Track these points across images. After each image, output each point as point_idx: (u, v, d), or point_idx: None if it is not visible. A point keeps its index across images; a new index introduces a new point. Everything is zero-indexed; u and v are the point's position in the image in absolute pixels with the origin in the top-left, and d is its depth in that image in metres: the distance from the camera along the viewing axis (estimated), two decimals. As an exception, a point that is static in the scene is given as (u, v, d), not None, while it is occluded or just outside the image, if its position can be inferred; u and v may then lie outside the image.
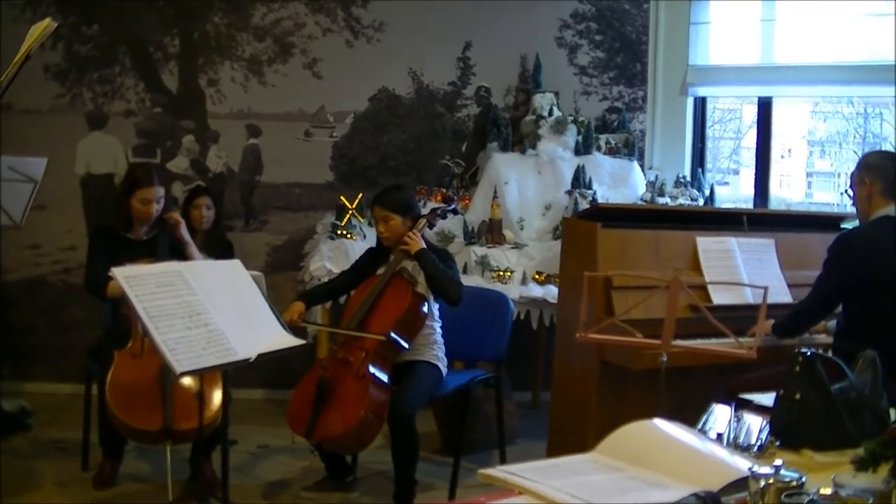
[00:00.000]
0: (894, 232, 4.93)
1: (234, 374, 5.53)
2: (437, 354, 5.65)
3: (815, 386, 3.20)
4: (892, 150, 7.65)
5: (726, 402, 3.33)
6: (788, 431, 3.18)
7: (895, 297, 4.84)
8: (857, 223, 5.29)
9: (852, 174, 5.18)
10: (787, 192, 9.20)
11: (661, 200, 7.24)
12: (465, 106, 7.85)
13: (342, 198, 7.21)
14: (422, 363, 5.57)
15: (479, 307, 5.97)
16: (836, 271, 5.01)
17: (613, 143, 7.54)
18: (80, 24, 7.66)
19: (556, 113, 7.48)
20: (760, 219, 6.06)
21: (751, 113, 8.23)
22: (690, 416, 3.24)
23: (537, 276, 6.84)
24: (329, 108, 7.85)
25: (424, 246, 5.60)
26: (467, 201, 7.33)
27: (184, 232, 5.84)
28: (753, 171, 7.93)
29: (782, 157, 9.10)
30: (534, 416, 7.25)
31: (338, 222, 7.05)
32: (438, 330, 5.71)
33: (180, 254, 5.72)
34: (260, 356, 4.42)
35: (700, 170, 7.73)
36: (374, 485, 5.91)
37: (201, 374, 4.65)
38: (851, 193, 5.17)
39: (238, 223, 7.81)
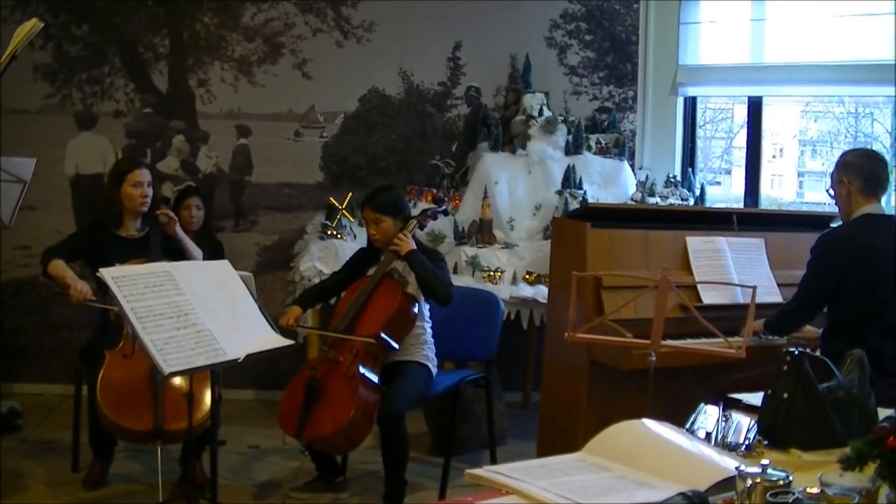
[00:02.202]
0: (876, 230, 4.94)
1: (225, 375, 5.53)
2: (427, 354, 5.65)
3: (803, 385, 3.20)
4: (884, 149, 7.68)
5: (715, 401, 3.34)
6: (776, 431, 3.18)
7: (879, 295, 4.85)
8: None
9: (832, 173, 5.18)
10: (779, 191, 9.21)
11: (651, 200, 7.24)
12: (454, 106, 7.85)
13: (331, 199, 7.19)
14: (412, 363, 5.57)
15: (469, 307, 5.97)
16: (820, 271, 5.01)
17: (603, 142, 7.54)
18: (70, 24, 7.66)
19: (546, 113, 7.48)
20: (750, 218, 6.06)
21: (742, 113, 8.24)
22: (679, 415, 3.25)
23: (527, 276, 6.84)
24: (319, 109, 7.84)
25: (415, 247, 5.60)
26: (457, 201, 7.32)
27: (178, 229, 5.83)
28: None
29: (774, 156, 9.11)
30: (524, 416, 7.24)
31: (328, 222, 7.04)
32: (428, 330, 5.71)
33: (172, 252, 5.72)
34: (248, 356, 4.42)
35: (690, 169, 7.74)
36: (364, 485, 5.91)
37: (190, 374, 4.65)
38: (832, 193, 5.17)
39: (228, 223, 7.80)
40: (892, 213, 5.23)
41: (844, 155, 5.21)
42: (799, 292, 5.13)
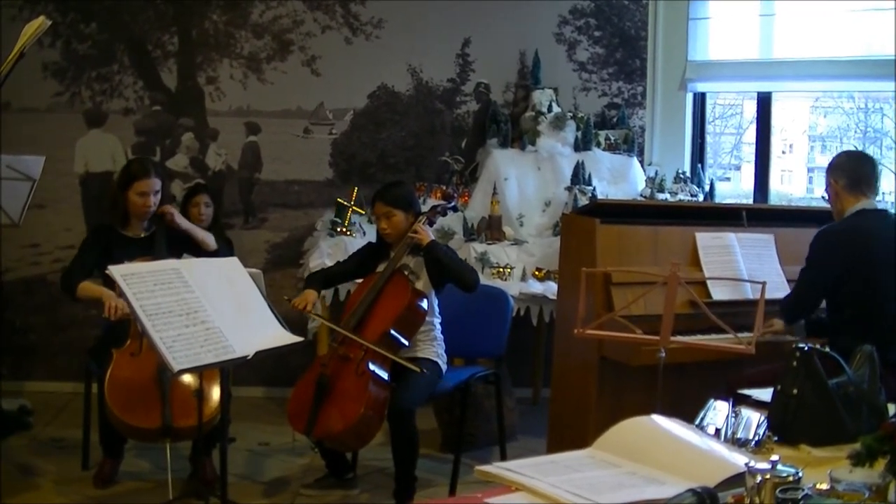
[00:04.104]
0: (874, 223, 4.97)
1: (235, 372, 5.54)
2: (437, 351, 5.65)
3: (813, 381, 3.19)
4: (893, 144, 7.69)
5: (724, 397, 3.33)
6: (786, 426, 3.17)
7: (883, 287, 4.85)
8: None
9: (825, 177, 5.31)
10: (789, 187, 9.19)
11: (660, 196, 7.23)
12: (464, 102, 7.84)
13: (339, 200, 7.18)
14: (421, 360, 5.56)
15: (478, 303, 5.96)
16: (822, 266, 5.06)
17: (613, 139, 7.53)
18: (79, 22, 7.66)
19: (556, 109, 7.47)
20: (759, 214, 6.06)
21: (751, 108, 8.22)
22: (688, 411, 3.24)
23: (537, 273, 6.83)
24: (328, 106, 7.84)
25: (433, 237, 5.63)
26: (467, 198, 7.32)
27: (180, 221, 5.84)
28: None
29: (783, 152, 9.09)
30: (534, 412, 7.24)
31: (337, 219, 7.05)
32: (438, 326, 5.71)
33: (180, 247, 5.74)
34: (258, 354, 4.42)
35: (699, 165, 7.72)
36: (374, 482, 5.91)
37: (199, 371, 4.66)
38: (827, 196, 5.26)
39: (237, 221, 7.80)
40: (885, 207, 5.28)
41: (832, 160, 5.37)
42: (797, 287, 5.19)
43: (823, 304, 5.23)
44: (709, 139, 8.27)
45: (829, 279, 5.00)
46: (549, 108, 7.45)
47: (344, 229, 6.99)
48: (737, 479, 2.54)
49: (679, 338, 4.65)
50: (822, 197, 5.40)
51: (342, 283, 6.23)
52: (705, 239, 5.55)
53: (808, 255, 5.13)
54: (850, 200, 5.11)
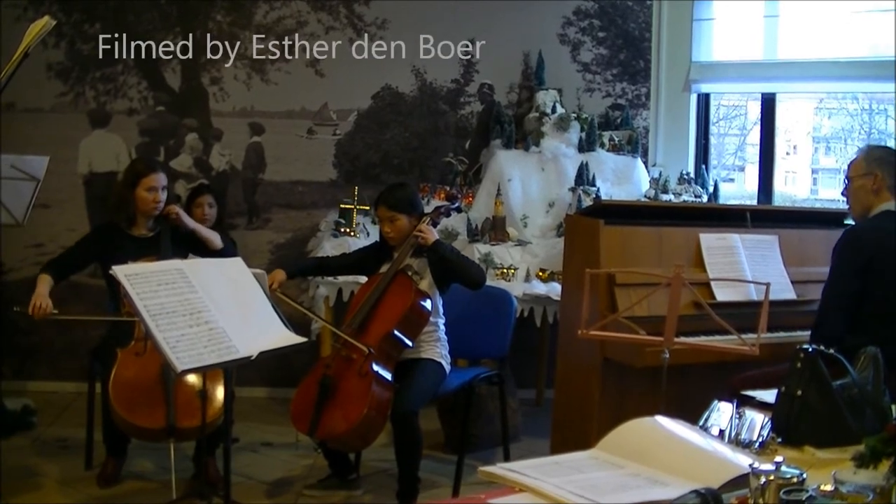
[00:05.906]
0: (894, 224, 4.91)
1: (238, 372, 5.53)
2: (441, 352, 5.65)
3: (817, 382, 3.19)
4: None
5: (728, 398, 3.33)
6: (790, 428, 3.17)
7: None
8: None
9: (853, 163, 5.11)
10: (793, 188, 9.19)
11: (664, 197, 7.22)
12: (468, 103, 7.84)
13: (343, 203, 7.18)
14: (425, 361, 5.57)
15: (482, 304, 5.97)
16: (849, 269, 4.88)
17: (617, 139, 7.52)
18: (83, 22, 7.66)
19: (560, 110, 7.46)
20: (764, 215, 6.04)
21: (756, 109, 8.22)
22: (692, 412, 3.24)
23: (541, 274, 6.83)
24: (332, 106, 7.83)
25: (437, 237, 5.62)
26: (470, 199, 7.31)
27: (186, 220, 5.86)
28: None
29: (787, 153, 9.09)
30: (537, 413, 7.24)
31: (341, 220, 7.05)
32: (442, 327, 5.71)
33: (187, 246, 5.76)
34: (261, 354, 4.42)
35: (703, 166, 7.72)
36: (377, 483, 5.91)
37: (202, 372, 4.66)
38: (848, 184, 5.11)
39: (241, 221, 7.80)
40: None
41: (873, 149, 5.16)
42: (830, 295, 4.98)
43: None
44: (713, 140, 8.27)
45: (858, 281, 4.85)
46: (553, 109, 7.45)
47: (347, 230, 6.98)
48: (741, 481, 2.54)
49: (683, 339, 4.64)
50: (846, 180, 5.15)
51: (337, 275, 6.31)
52: (709, 240, 5.54)
53: (834, 260, 4.97)
54: (886, 198, 4.95)
